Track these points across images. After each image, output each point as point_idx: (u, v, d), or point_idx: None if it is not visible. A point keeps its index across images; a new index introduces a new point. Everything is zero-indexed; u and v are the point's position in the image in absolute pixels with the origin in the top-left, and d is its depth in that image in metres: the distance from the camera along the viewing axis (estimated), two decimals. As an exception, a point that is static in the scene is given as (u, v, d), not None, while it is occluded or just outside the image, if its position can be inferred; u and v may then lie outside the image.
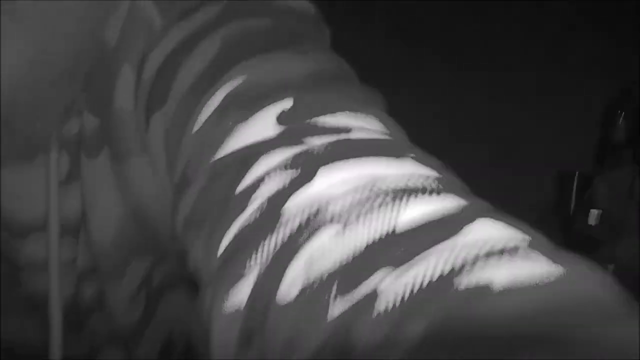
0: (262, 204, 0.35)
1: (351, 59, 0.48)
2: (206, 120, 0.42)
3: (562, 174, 1.82)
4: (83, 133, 0.51)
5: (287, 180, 0.35)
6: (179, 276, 0.58)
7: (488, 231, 0.30)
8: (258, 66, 0.43)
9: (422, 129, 2.04)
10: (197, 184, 0.40)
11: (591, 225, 1.44)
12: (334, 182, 0.34)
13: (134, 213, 0.53)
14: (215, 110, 0.42)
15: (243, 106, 0.41)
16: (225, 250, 0.36)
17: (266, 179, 0.36)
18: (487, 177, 2.02)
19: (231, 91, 0.42)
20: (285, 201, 0.34)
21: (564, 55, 1.95)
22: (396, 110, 0.44)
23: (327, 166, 0.35)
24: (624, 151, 1.52)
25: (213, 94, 0.43)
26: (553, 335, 0.23)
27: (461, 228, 0.29)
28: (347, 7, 2.10)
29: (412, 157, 0.36)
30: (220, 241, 0.36)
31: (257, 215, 0.35)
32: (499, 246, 0.28)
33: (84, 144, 0.51)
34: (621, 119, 1.77)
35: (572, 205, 1.74)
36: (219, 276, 0.35)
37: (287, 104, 0.40)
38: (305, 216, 0.33)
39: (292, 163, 0.36)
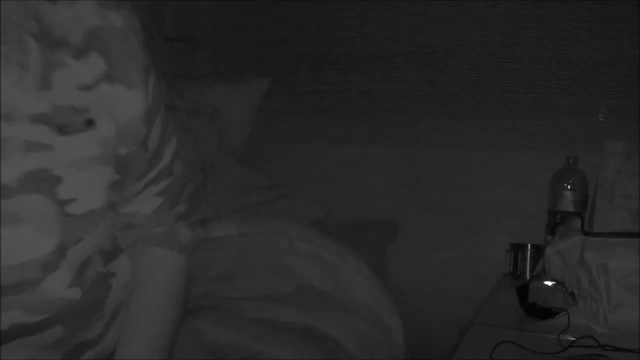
0: None
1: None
2: None
3: (516, 245, 1.86)
4: None
5: None
6: None
7: None
8: None
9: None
10: None
11: (545, 296, 1.46)
12: None
13: None
14: None
15: None
16: None
17: None
18: (446, 248, 2.05)
19: None
20: None
21: (510, 129, 2.02)
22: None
23: None
24: (572, 220, 1.55)
25: None
26: None
27: None
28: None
29: None
30: None
31: None
32: None
33: None
34: (567, 189, 1.82)
35: (528, 276, 1.77)
36: None
37: None
38: None
39: None
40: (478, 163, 2.03)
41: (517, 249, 1.85)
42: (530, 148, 1.98)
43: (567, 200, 1.81)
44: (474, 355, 1.18)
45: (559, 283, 1.47)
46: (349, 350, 1.51)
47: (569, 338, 1.25)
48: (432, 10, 2.02)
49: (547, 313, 1.42)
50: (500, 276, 1.85)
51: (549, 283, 1.50)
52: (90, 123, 0.80)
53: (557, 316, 1.39)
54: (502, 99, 2.00)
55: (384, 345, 1.64)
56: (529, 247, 1.83)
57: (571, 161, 1.84)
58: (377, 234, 2.05)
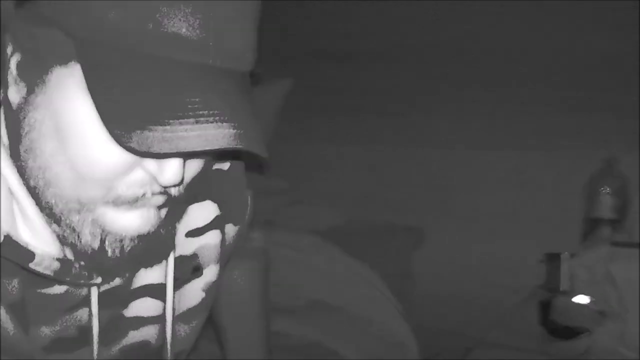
0: None
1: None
2: None
3: (550, 255, 1.71)
4: None
5: None
6: None
7: None
8: None
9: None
10: None
11: (570, 314, 1.31)
12: None
13: None
14: None
15: None
16: None
17: None
18: (474, 257, 1.92)
19: None
20: None
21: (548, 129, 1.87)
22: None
23: None
24: (602, 229, 1.40)
25: None
26: None
27: None
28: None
29: None
30: None
31: None
32: None
33: None
34: (606, 193, 1.66)
35: (561, 287, 1.62)
36: None
37: None
38: None
39: None
40: (510, 165, 1.89)
41: (552, 259, 1.69)
42: (566, 148, 1.82)
43: (606, 206, 1.64)
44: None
45: (586, 299, 1.33)
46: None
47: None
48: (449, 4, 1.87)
49: (570, 333, 1.28)
50: (533, 289, 1.70)
51: (577, 299, 1.36)
52: (197, 270, 0.82)
53: (580, 336, 1.24)
54: (524, 95, 1.84)
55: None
56: (565, 258, 1.67)
57: (610, 162, 1.67)
58: (400, 240, 1.94)
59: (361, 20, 1.99)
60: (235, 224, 0.88)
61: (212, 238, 0.82)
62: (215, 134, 0.55)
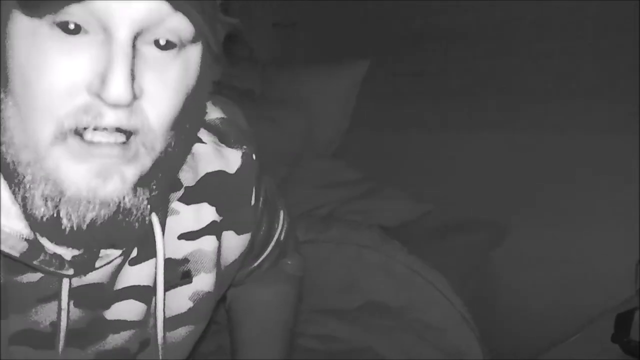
0: None
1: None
2: None
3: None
4: None
5: None
6: None
7: None
8: None
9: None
10: None
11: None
12: None
13: None
14: None
15: None
16: None
17: None
18: (563, 258, 1.70)
19: None
20: None
21: None
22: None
23: None
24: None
25: None
26: None
27: None
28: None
29: None
30: None
31: None
32: None
33: None
34: None
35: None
36: None
37: None
38: None
39: None
40: (607, 153, 1.65)
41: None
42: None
43: None
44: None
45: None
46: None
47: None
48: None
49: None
50: (630, 295, 1.48)
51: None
52: (186, 276, 0.76)
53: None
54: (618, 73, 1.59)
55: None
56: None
57: None
58: (480, 236, 1.77)
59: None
60: (238, 233, 0.81)
61: (207, 244, 0.77)
62: None
